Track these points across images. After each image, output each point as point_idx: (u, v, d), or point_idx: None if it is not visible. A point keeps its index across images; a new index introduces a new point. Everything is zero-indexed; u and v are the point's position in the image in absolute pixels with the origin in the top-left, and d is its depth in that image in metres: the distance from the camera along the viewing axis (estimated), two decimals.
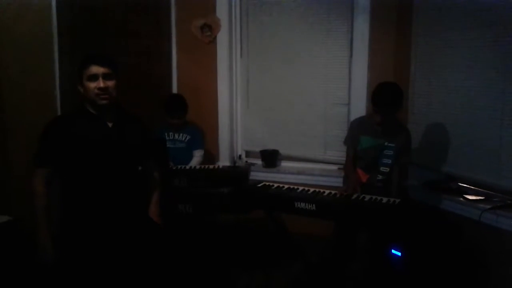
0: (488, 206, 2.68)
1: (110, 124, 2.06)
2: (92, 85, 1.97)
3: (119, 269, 2.01)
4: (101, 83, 1.96)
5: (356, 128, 2.86)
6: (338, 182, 3.19)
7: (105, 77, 1.98)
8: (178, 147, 3.47)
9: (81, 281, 1.96)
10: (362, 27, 3.49)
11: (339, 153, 3.57)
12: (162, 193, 2.39)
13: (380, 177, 2.78)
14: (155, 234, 2.22)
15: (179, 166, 3.19)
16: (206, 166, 3.26)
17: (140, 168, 2.28)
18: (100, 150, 2.02)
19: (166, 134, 3.48)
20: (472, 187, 3.00)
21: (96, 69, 1.97)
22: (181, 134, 3.49)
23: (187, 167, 3.23)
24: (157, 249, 2.21)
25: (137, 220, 2.14)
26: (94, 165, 2.01)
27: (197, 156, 3.48)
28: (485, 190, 2.91)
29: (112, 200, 2.04)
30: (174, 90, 4.00)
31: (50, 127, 2.01)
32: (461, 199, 2.88)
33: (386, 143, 2.75)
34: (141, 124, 2.25)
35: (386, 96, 2.63)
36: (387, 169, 2.76)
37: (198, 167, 3.24)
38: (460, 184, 3.08)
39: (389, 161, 2.75)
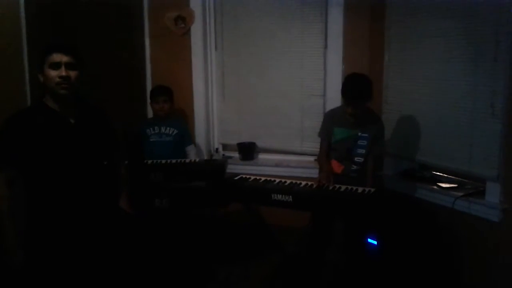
0: (461, 194, 2.74)
1: (72, 120, 1.96)
2: (54, 73, 1.86)
3: (92, 266, 1.96)
4: (63, 72, 1.85)
5: (330, 120, 2.87)
6: (315, 173, 3.20)
7: (68, 66, 1.88)
8: (164, 140, 3.39)
9: (52, 281, 1.90)
10: (336, 19, 3.50)
11: (315, 145, 3.55)
12: (138, 188, 2.34)
13: (354, 167, 2.81)
14: (127, 226, 2.17)
15: (154, 161, 3.14)
16: (182, 160, 3.22)
17: (105, 162, 2.20)
18: (63, 148, 1.92)
19: (151, 127, 3.40)
20: (445, 175, 3.06)
21: (59, 57, 1.86)
22: (167, 128, 3.41)
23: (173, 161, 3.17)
24: (130, 241, 2.18)
25: (107, 216, 2.07)
26: (58, 164, 1.92)
27: (193, 154, 3.44)
28: (458, 178, 2.97)
29: (79, 197, 1.96)
30: (148, 83, 3.94)
31: (7, 127, 1.88)
32: (435, 187, 2.93)
33: (359, 134, 2.77)
34: (105, 116, 2.14)
35: (355, 89, 2.64)
36: (361, 159, 2.78)
37: (174, 161, 3.20)
38: (434, 172, 3.14)
39: (363, 151, 2.77)
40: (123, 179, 2.29)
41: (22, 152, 1.87)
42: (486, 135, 2.59)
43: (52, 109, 1.94)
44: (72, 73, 1.89)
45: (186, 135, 3.50)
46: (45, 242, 1.91)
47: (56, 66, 1.87)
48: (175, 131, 3.42)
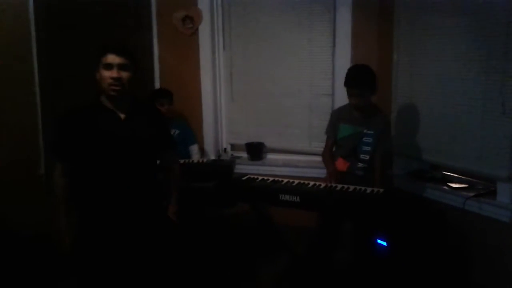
0: (472, 194, 2.71)
1: (122, 116, 2.03)
2: (107, 73, 1.95)
3: (128, 265, 2.05)
4: (115, 73, 1.94)
5: (336, 117, 2.86)
6: (323, 173, 3.17)
7: (121, 67, 1.96)
8: None
9: (93, 276, 2.03)
10: (344, 17, 3.48)
11: (324, 144, 3.56)
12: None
13: (360, 165, 2.78)
14: (169, 235, 2.23)
15: None
16: (191, 160, 3.22)
17: (158, 161, 2.25)
18: (112, 144, 2.00)
19: None
20: (456, 176, 3.03)
21: (112, 58, 1.94)
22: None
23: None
24: (168, 249, 2.23)
25: (152, 217, 2.13)
26: (107, 159, 2.00)
27: (196, 152, 3.43)
28: (468, 178, 2.94)
29: (126, 194, 2.03)
30: (157, 83, 3.95)
31: (64, 121, 2.02)
32: (445, 187, 2.90)
33: (365, 131, 2.74)
34: (159, 115, 2.26)
35: (353, 76, 2.64)
36: (366, 157, 2.75)
37: (181, 161, 3.19)
38: (444, 172, 3.10)
39: (369, 148, 2.74)
40: (175, 182, 2.30)
41: (75, 146, 1.99)
42: (497, 135, 2.55)
43: (104, 105, 2.03)
44: (124, 74, 1.97)
45: (189, 135, 3.50)
46: (93, 236, 2.03)
47: (109, 67, 1.95)
48: (177, 131, 3.43)
